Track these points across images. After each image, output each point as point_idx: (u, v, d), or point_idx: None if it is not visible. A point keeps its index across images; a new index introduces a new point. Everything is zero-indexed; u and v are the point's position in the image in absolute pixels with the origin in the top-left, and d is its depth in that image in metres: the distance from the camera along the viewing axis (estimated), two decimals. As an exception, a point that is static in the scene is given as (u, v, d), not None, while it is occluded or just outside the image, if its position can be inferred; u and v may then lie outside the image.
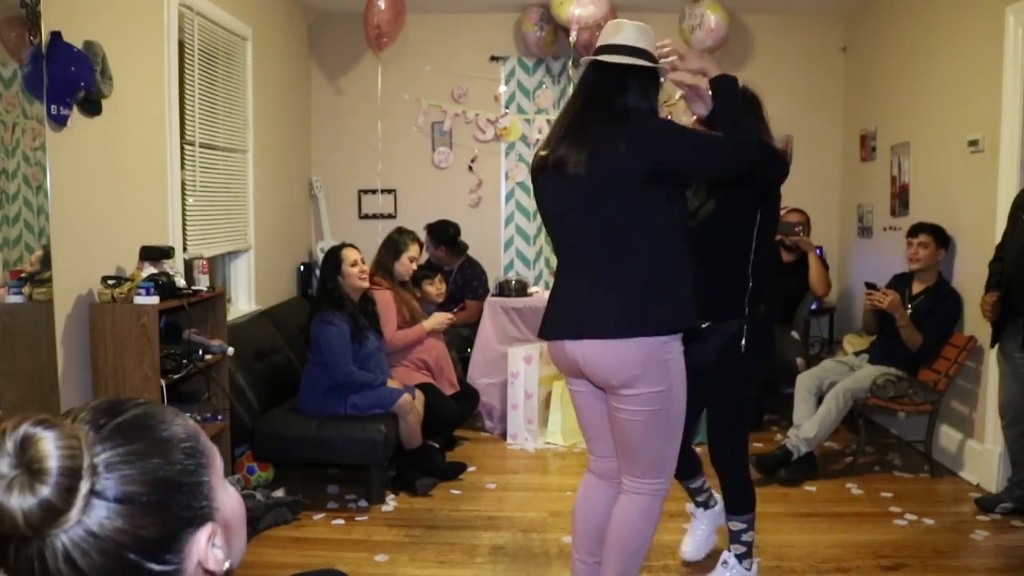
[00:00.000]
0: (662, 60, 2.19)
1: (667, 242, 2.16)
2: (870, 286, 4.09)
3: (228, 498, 0.80)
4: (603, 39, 2.22)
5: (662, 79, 2.23)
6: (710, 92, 2.19)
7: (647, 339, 2.12)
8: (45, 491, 0.67)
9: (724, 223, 2.63)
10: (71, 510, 0.68)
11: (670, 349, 2.16)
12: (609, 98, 2.14)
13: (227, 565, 0.77)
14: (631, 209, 2.11)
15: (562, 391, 4.51)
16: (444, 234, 5.12)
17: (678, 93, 2.32)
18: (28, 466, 0.67)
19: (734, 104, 2.14)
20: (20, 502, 0.66)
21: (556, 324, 2.27)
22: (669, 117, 2.34)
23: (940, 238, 4.05)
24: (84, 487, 0.68)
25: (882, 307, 3.97)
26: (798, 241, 4.72)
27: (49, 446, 0.68)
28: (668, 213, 2.16)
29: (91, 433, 0.72)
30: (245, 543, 0.85)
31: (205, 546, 0.75)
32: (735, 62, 5.63)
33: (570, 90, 5.62)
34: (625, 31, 2.18)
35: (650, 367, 2.13)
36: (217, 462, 0.80)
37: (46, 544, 0.68)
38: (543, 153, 2.23)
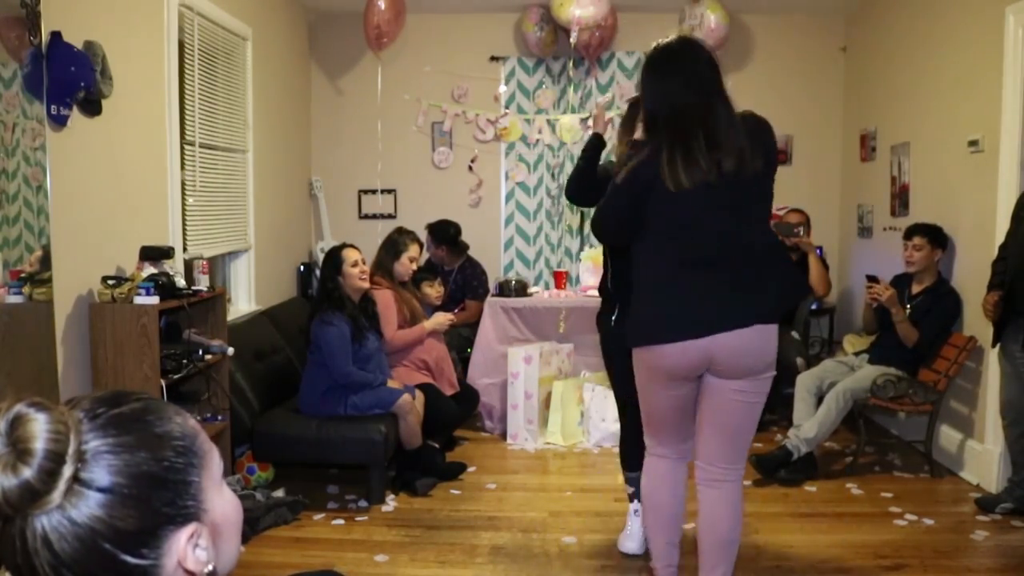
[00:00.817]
0: None
1: (769, 234, 2.46)
2: (871, 279, 4.09)
3: (222, 501, 0.80)
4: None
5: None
6: None
7: (776, 325, 2.37)
8: (27, 472, 0.68)
9: None
10: (52, 493, 0.68)
11: None
12: (727, 100, 2.31)
13: (209, 567, 0.76)
14: (762, 205, 2.38)
15: (562, 391, 4.51)
16: (445, 234, 5.12)
17: None
18: (15, 445, 0.68)
19: None
20: (2, 481, 0.67)
21: (700, 321, 2.28)
22: None
23: (935, 239, 4.05)
24: (67, 472, 0.69)
25: (880, 300, 3.98)
26: (799, 242, 4.72)
27: (37, 428, 0.69)
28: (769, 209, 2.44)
29: (85, 420, 0.72)
30: (238, 549, 0.84)
31: (184, 545, 0.74)
32: (735, 62, 5.62)
33: (570, 90, 5.63)
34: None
35: (776, 350, 2.39)
36: (213, 464, 0.80)
37: (27, 524, 0.69)
38: (697, 169, 2.22)
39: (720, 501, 2.39)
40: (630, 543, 3.09)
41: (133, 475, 0.72)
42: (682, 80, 2.27)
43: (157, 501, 0.73)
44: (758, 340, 2.29)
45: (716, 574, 2.41)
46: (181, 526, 0.74)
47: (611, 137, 3.39)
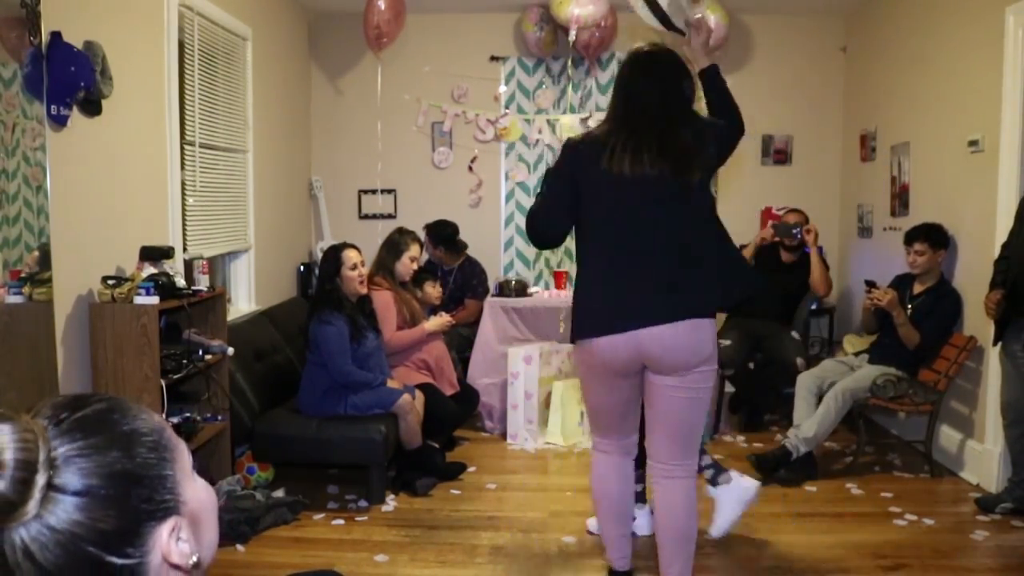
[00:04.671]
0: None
1: (712, 233, 2.54)
2: (870, 284, 4.09)
3: (196, 491, 0.80)
4: None
5: None
6: None
7: (711, 320, 2.48)
8: (0, 484, 0.67)
9: None
10: (28, 503, 0.68)
11: None
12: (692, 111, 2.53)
13: (194, 559, 0.76)
14: (703, 205, 2.49)
15: (562, 391, 4.51)
16: (442, 234, 5.12)
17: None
18: None
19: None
20: None
21: (627, 314, 2.40)
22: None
23: (936, 241, 4.03)
24: (40, 480, 0.68)
25: (881, 305, 3.98)
26: (805, 238, 4.69)
27: (4, 438, 0.68)
28: None
29: (50, 427, 0.71)
30: (217, 535, 0.84)
31: (167, 540, 0.74)
32: (735, 62, 5.62)
33: (570, 90, 5.63)
34: None
35: (713, 344, 2.47)
36: (183, 456, 0.79)
37: (4, 539, 0.68)
38: (640, 160, 2.39)
39: (673, 494, 2.44)
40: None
41: (107, 475, 0.71)
42: (651, 80, 2.38)
43: (135, 498, 0.72)
44: (689, 335, 2.33)
45: (673, 570, 2.45)
46: (162, 521, 0.74)
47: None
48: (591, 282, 2.42)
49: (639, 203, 2.34)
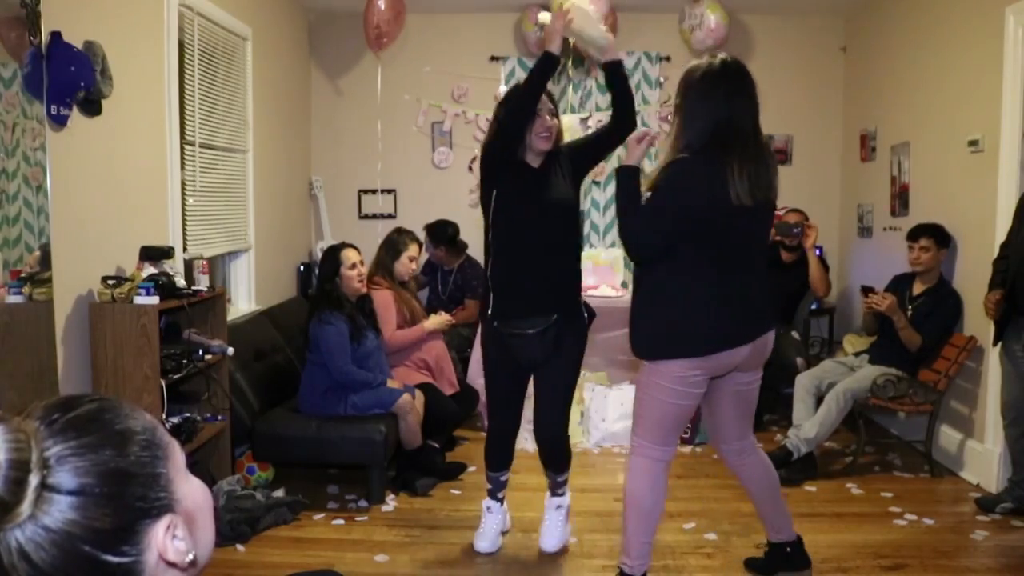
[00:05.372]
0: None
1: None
2: (867, 289, 4.09)
3: (190, 489, 0.80)
4: None
5: None
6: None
7: None
8: None
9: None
10: (22, 504, 0.68)
11: None
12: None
13: (190, 556, 0.76)
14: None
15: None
16: (443, 234, 5.12)
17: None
18: None
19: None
20: None
21: (752, 325, 2.57)
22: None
23: (940, 239, 4.04)
24: (34, 480, 0.68)
25: (880, 310, 3.97)
26: (806, 233, 4.69)
27: None
28: None
29: (42, 428, 0.71)
30: (213, 535, 0.84)
31: (163, 537, 0.74)
32: (735, 62, 5.61)
33: (571, 90, 5.63)
34: None
35: None
36: (176, 454, 0.79)
37: (0, 541, 0.68)
38: (762, 186, 2.50)
39: (761, 459, 2.77)
40: (483, 543, 3.12)
41: (101, 473, 0.71)
42: (748, 101, 2.45)
43: (129, 496, 0.72)
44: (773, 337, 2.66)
45: (781, 507, 2.82)
46: (157, 519, 0.74)
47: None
48: (713, 297, 2.45)
49: (751, 226, 2.48)
